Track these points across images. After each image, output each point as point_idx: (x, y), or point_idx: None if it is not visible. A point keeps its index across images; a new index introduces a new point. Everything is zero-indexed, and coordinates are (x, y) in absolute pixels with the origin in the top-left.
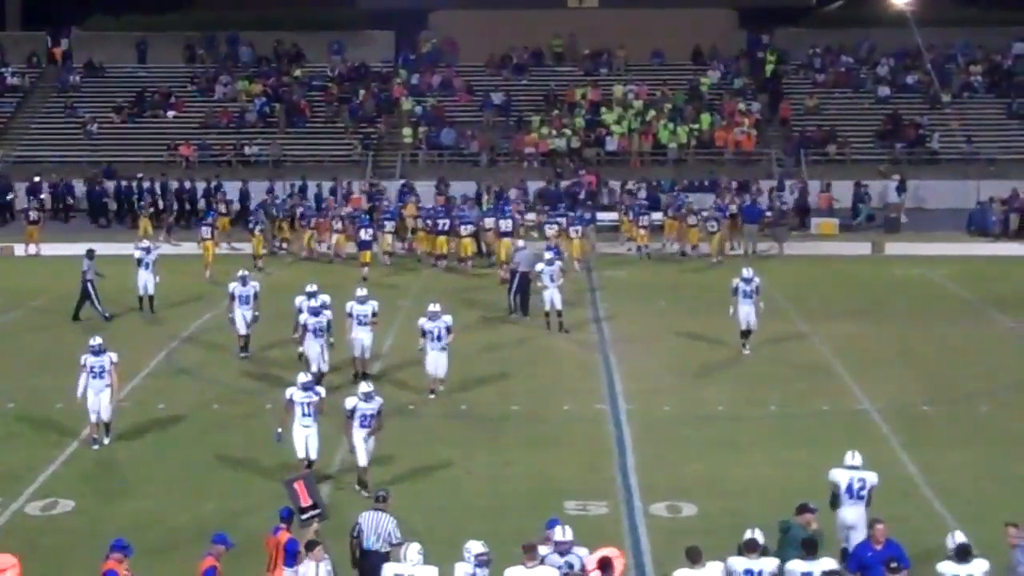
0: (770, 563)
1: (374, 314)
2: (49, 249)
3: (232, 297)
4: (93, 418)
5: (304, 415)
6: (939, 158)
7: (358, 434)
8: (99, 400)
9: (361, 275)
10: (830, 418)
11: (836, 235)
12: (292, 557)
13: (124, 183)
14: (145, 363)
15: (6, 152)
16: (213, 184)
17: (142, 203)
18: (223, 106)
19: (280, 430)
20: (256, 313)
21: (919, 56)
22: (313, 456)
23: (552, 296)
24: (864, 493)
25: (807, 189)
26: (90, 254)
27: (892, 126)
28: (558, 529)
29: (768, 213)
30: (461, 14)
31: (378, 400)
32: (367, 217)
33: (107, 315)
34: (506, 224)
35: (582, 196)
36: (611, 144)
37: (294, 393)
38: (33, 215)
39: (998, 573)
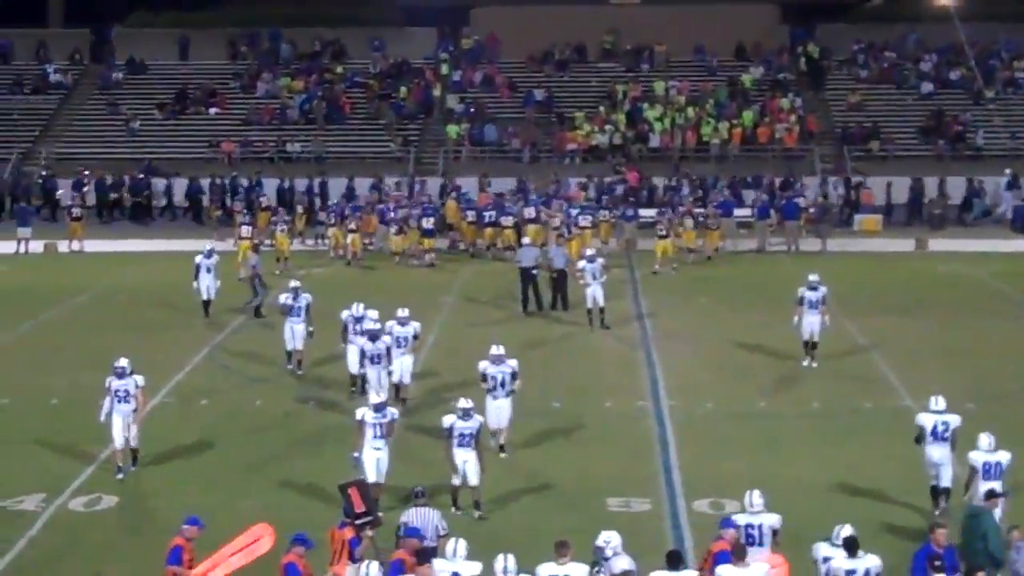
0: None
1: (415, 336)
2: (92, 246)
3: (286, 310)
4: (118, 444)
5: (376, 437)
6: (983, 154)
7: (459, 454)
8: (125, 426)
9: (428, 260)
10: (872, 415)
11: (880, 231)
12: (352, 554)
13: (218, 181)
14: (189, 360)
15: (49, 150)
16: (254, 181)
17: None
18: (265, 103)
19: (356, 453)
20: (311, 328)
21: (962, 52)
22: (382, 480)
23: (595, 293)
24: (948, 435)
25: (853, 185)
26: (256, 248)
27: (935, 122)
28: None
29: (811, 210)
30: (502, 11)
31: (478, 419)
32: (431, 207)
33: (262, 314)
34: (530, 212)
35: (620, 192)
36: (654, 140)
37: (366, 414)
38: (76, 211)
39: None
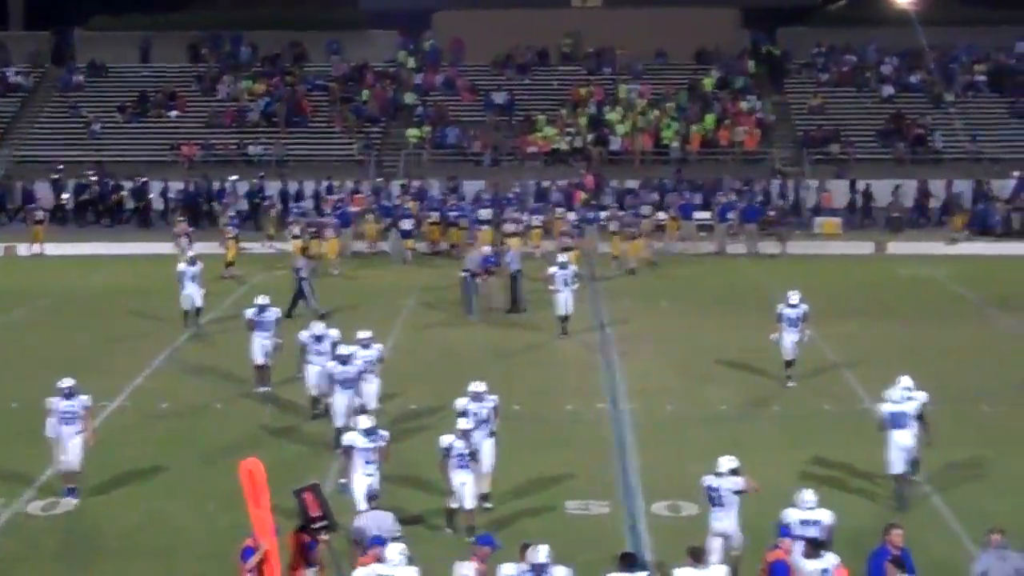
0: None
1: (380, 359)
2: (53, 249)
3: (252, 324)
4: (61, 467)
5: (368, 462)
6: (942, 157)
7: (458, 476)
8: (69, 449)
9: (404, 258)
10: (833, 418)
11: (839, 234)
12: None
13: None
14: (147, 363)
15: (9, 152)
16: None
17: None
18: (226, 106)
19: (344, 480)
20: (279, 341)
21: (922, 55)
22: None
23: (566, 299)
24: (906, 421)
25: (811, 188)
26: (304, 250)
27: (895, 125)
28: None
29: (771, 213)
30: (464, 14)
31: (479, 434)
32: (408, 208)
33: (322, 311)
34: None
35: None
36: (615, 143)
37: (355, 439)
38: (39, 215)
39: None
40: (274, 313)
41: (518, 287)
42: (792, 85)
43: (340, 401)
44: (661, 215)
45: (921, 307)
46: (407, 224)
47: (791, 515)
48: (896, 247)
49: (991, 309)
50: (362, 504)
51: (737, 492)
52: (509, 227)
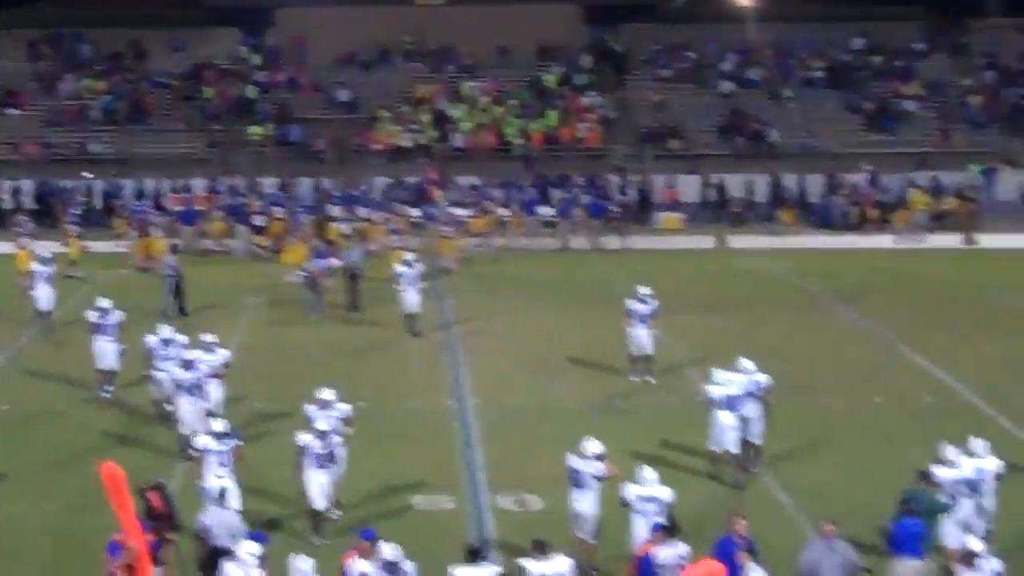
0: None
1: (225, 365)
2: None
3: (93, 328)
4: None
5: (221, 465)
6: (780, 152)
7: (314, 476)
8: None
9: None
10: (675, 409)
11: (681, 229)
12: (155, 557)
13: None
14: None
15: None
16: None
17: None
18: (67, 104)
19: (204, 485)
20: (124, 347)
21: (760, 52)
22: (236, 506)
23: (411, 299)
24: (760, 393)
25: (651, 185)
26: (174, 249)
27: (735, 121)
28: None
29: (613, 209)
30: (307, 11)
31: (336, 439)
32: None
33: (170, 313)
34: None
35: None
36: (458, 140)
37: (208, 443)
38: None
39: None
40: (117, 316)
41: (357, 286)
42: (633, 82)
43: (185, 407)
44: (502, 211)
45: (761, 300)
46: (258, 221)
47: (632, 491)
48: (737, 241)
49: (831, 301)
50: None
51: (597, 477)
52: (342, 226)
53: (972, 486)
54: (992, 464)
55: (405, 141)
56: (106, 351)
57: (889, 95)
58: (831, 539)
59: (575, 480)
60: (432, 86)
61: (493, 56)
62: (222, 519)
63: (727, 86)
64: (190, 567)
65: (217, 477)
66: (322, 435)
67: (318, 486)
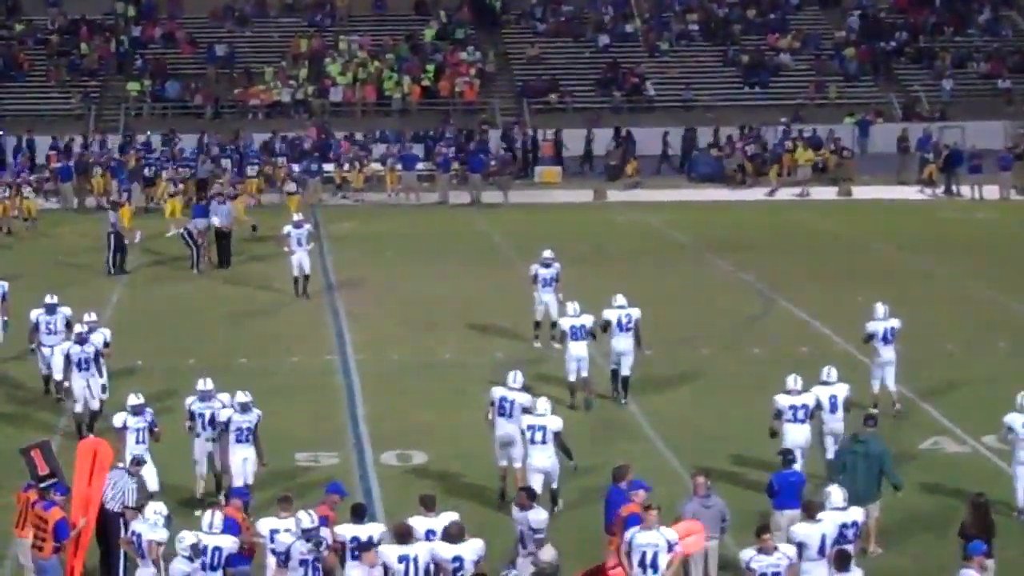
0: None
1: (106, 343)
2: None
3: (36, 328)
4: None
5: (139, 442)
6: (656, 106)
7: (237, 452)
8: None
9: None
10: (554, 361)
11: (559, 183)
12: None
13: None
14: None
15: None
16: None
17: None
18: None
19: (121, 465)
20: (6, 319)
21: (637, 5)
22: (154, 487)
23: (301, 260)
24: (630, 326)
25: (533, 137)
26: (114, 206)
27: (611, 74)
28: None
29: (492, 162)
30: None
31: (256, 412)
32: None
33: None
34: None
35: (307, 147)
36: (336, 95)
37: (127, 419)
38: None
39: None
40: (0, 287)
41: (227, 242)
42: (510, 35)
43: (78, 384)
44: (377, 166)
45: (639, 253)
46: (147, 173)
47: (525, 420)
48: (615, 195)
49: (709, 254)
50: (153, 486)
51: (524, 408)
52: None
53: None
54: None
55: (283, 96)
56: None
57: (764, 48)
58: (704, 495)
59: (502, 409)
60: (310, 40)
61: (370, 10)
62: (114, 480)
63: (603, 39)
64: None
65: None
66: (244, 408)
67: (243, 462)
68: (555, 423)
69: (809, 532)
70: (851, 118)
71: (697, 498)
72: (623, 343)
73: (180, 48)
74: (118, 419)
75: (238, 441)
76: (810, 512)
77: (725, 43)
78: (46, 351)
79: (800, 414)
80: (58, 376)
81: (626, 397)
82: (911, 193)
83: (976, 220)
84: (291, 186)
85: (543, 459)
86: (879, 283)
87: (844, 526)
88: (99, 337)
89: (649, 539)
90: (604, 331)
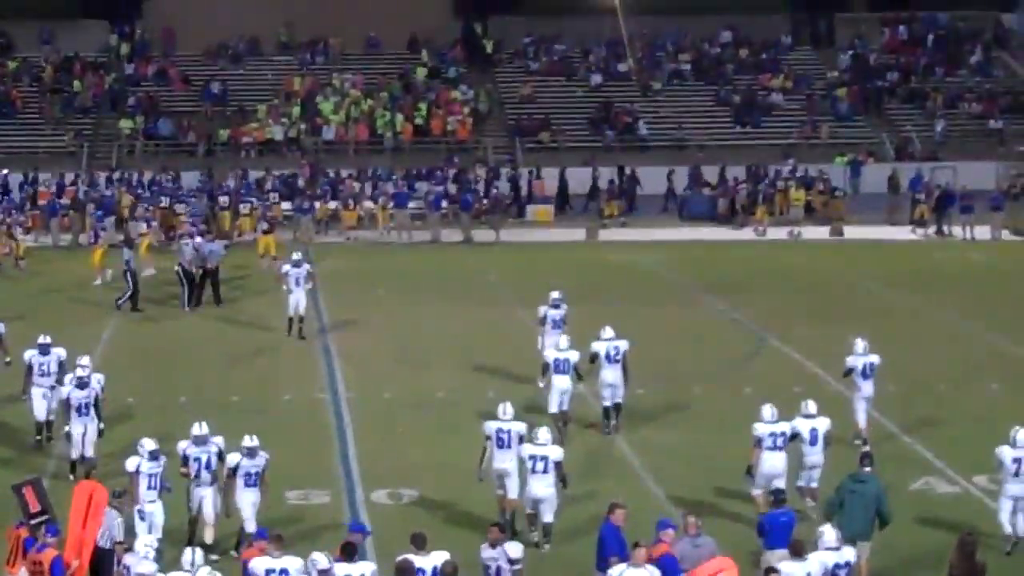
0: None
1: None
2: None
3: (30, 370)
4: None
5: (150, 488)
6: (649, 145)
7: (245, 496)
8: None
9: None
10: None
11: (551, 222)
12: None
13: None
14: None
15: None
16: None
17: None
18: None
19: (139, 506)
20: (8, 360)
21: (629, 44)
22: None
23: (298, 300)
24: (619, 358)
25: (520, 177)
26: (129, 244)
27: (604, 114)
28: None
29: (484, 201)
30: (175, 3)
31: (264, 456)
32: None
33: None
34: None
35: (300, 185)
36: (329, 133)
37: (140, 463)
38: None
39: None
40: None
41: (216, 279)
42: (503, 74)
43: (77, 429)
44: (368, 204)
45: (632, 292)
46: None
47: (526, 449)
48: (607, 234)
49: (701, 293)
50: (159, 531)
51: (521, 436)
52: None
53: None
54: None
55: (276, 134)
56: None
57: (756, 88)
58: (695, 534)
59: (500, 441)
60: (303, 79)
61: (363, 49)
62: (108, 517)
63: (596, 79)
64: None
65: (149, 502)
66: (251, 452)
67: (251, 506)
68: (556, 453)
69: (793, 571)
70: (842, 158)
71: (688, 538)
72: (612, 375)
73: (173, 86)
74: (131, 463)
75: (247, 485)
76: (796, 551)
77: (717, 83)
78: (37, 392)
79: (779, 441)
80: (40, 417)
81: (617, 420)
82: (903, 233)
83: (968, 260)
84: (264, 225)
85: (542, 488)
86: (871, 323)
87: (837, 566)
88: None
89: None
90: (592, 363)
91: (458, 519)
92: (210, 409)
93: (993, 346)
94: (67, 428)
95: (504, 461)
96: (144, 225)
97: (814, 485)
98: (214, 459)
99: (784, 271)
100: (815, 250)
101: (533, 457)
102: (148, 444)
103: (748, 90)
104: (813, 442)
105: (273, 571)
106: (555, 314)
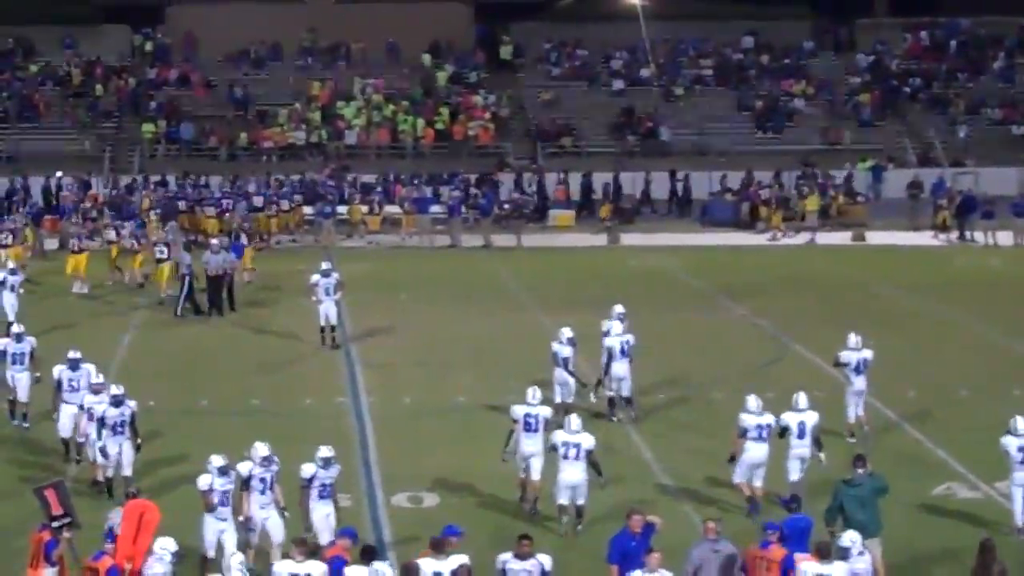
0: None
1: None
2: None
3: (60, 386)
4: None
5: (223, 505)
6: (671, 150)
7: (319, 508)
8: None
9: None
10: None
11: (573, 227)
12: (48, 557)
13: None
14: None
15: None
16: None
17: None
18: None
19: (244, 517)
20: (37, 375)
21: (651, 50)
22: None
23: (327, 310)
24: (629, 352)
25: (544, 182)
26: (187, 247)
27: (626, 119)
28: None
29: (506, 206)
30: (198, 8)
31: (336, 467)
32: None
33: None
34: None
35: (322, 190)
36: (350, 137)
37: (213, 481)
38: None
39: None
40: (28, 343)
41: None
42: (525, 79)
43: (112, 448)
44: (392, 208)
45: (653, 296)
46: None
47: (558, 436)
48: (628, 239)
49: (723, 298)
50: (212, 552)
51: (547, 420)
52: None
53: None
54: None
55: (298, 139)
56: (19, 382)
57: (778, 93)
58: (714, 539)
59: (527, 425)
60: (324, 83)
61: (384, 53)
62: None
63: (618, 84)
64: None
65: (219, 520)
66: (326, 463)
67: (325, 518)
68: (588, 440)
69: (821, 571)
70: (864, 163)
71: (707, 542)
72: (622, 368)
73: (195, 90)
74: (244, 469)
75: (321, 497)
76: (823, 554)
77: (739, 88)
78: (68, 409)
79: (764, 433)
80: (64, 434)
81: (635, 410)
82: (925, 239)
83: (990, 266)
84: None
85: (575, 474)
86: (892, 328)
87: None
88: (125, 410)
89: None
90: (610, 360)
91: (478, 524)
92: (231, 414)
93: (1015, 352)
94: (101, 444)
95: (531, 445)
96: (114, 233)
97: (799, 476)
98: (275, 476)
99: (806, 276)
100: (837, 255)
101: (566, 444)
102: (217, 461)
103: (770, 96)
104: (801, 435)
105: (297, 575)
106: (615, 343)
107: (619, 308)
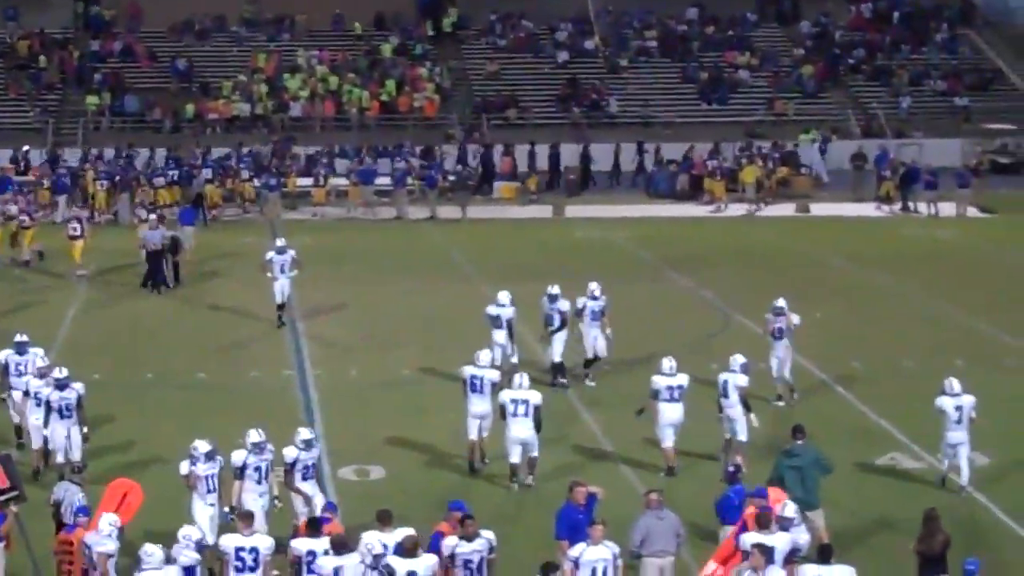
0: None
1: (79, 400)
2: None
3: (6, 370)
4: None
5: (209, 491)
6: (617, 122)
7: (306, 487)
8: None
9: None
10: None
11: (516, 198)
12: None
13: None
14: None
15: None
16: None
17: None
18: None
19: (229, 506)
20: None
21: (596, 21)
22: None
23: (283, 287)
24: (601, 314)
25: (490, 153)
26: (160, 219)
27: (571, 90)
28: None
29: (450, 178)
30: None
31: (317, 448)
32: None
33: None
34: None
35: (268, 163)
36: (296, 110)
37: (247, 457)
38: None
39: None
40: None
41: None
42: (470, 51)
43: (60, 433)
44: (340, 181)
45: (599, 268)
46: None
47: (506, 395)
48: (574, 210)
49: (666, 269)
50: (212, 538)
51: (493, 383)
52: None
53: None
54: None
55: (242, 111)
56: None
57: (722, 65)
58: (657, 508)
59: (473, 386)
60: (269, 55)
61: (330, 26)
62: (68, 491)
63: (562, 55)
64: (32, 540)
65: (208, 505)
66: (307, 444)
67: (312, 498)
68: (536, 397)
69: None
70: (807, 135)
71: (651, 511)
72: (595, 330)
73: (139, 62)
74: (237, 457)
75: (304, 479)
76: (762, 524)
77: (684, 60)
78: (16, 394)
79: (676, 394)
80: (16, 420)
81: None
82: (868, 210)
83: (933, 237)
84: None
85: (523, 430)
86: (837, 299)
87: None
88: (71, 395)
89: (599, 554)
90: (578, 316)
91: (424, 496)
92: (178, 387)
93: (959, 323)
94: (46, 430)
95: (479, 405)
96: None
97: (742, 439)
98: (269, 467)
99: (750, 248)
100: (781, 226)
101: (515, 401)
102: (202, 446)
103: (714, 67)
104: (725, 395)
105: (243, 548)
106: (593, 305)
107: (593, 285)
